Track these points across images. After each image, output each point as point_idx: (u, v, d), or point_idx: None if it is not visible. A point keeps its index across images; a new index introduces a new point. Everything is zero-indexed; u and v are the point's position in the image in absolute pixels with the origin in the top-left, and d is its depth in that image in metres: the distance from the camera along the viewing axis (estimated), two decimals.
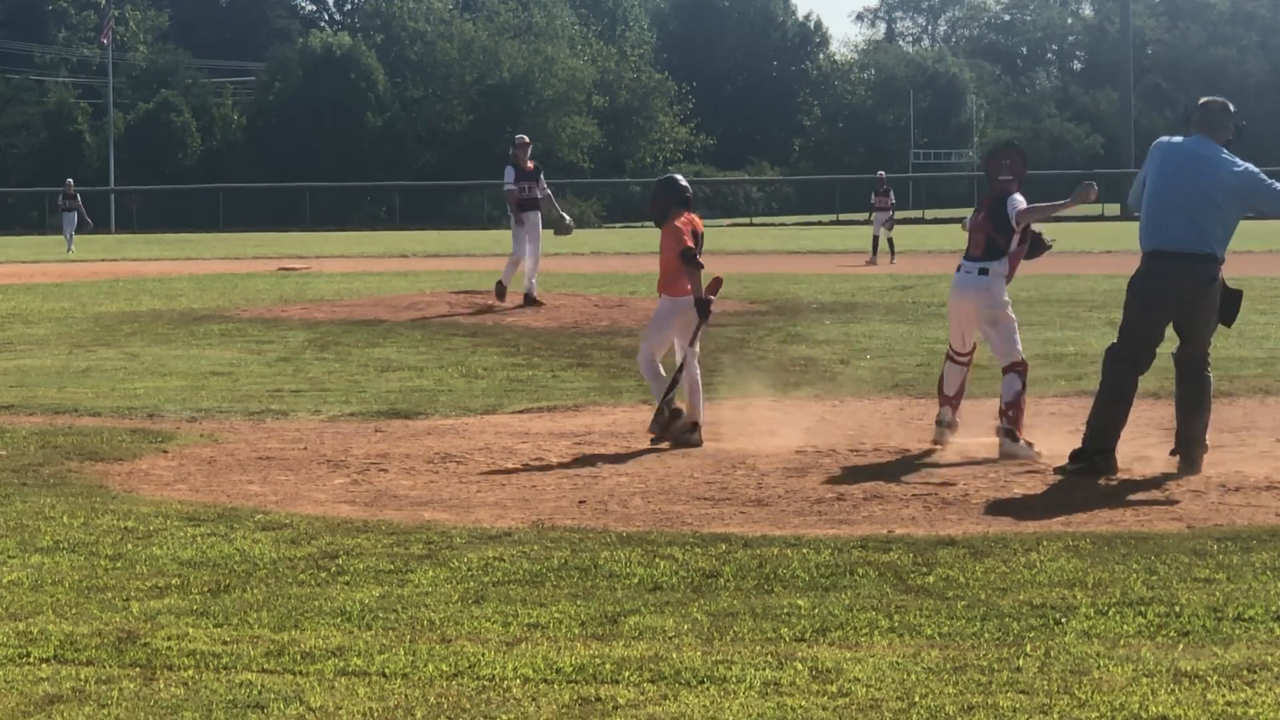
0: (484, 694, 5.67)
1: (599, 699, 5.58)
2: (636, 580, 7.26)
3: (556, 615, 6.66)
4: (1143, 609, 6.60)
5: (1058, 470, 10.02)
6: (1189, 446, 9.94)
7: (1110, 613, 6.56)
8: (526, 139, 24.01)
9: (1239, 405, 12.95)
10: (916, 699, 5.50)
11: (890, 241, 38.93)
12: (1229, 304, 10.11)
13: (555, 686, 5.73)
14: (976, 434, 11.39)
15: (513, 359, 17.29)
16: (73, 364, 17.26)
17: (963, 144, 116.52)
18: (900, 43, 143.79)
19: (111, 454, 11.14)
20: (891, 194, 40.57)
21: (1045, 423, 11.86)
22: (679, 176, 12.22)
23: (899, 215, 46.13)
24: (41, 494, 9.54)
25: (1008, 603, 6.74)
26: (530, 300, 22.99)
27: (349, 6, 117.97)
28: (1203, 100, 10.38)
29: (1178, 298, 9.93)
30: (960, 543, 7.90)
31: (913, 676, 5.75)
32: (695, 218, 11.82)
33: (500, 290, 23.06)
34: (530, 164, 23.31)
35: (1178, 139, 10.22)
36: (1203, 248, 9.89)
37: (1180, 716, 5.30)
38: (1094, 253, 39.88)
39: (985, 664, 5.89)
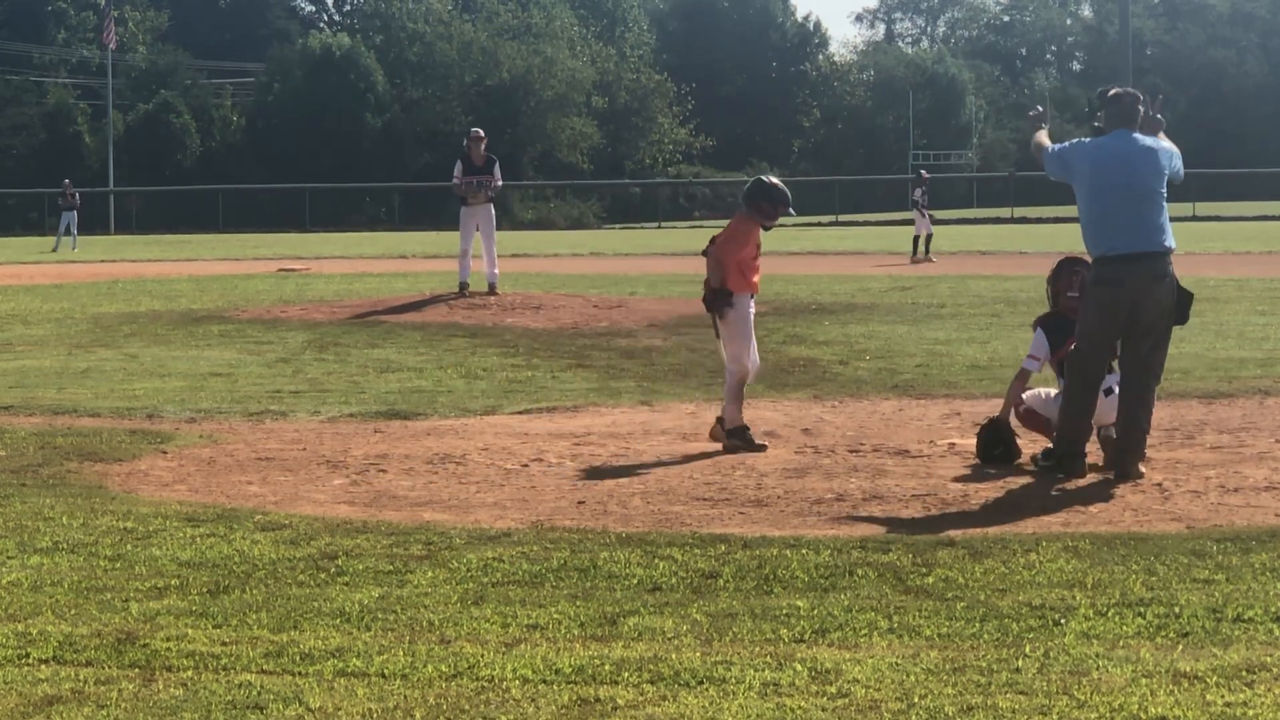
0: (483, 695, 5.67)
1: (598, 700, 5.58)
2: (636, 581, 7.25)
3: (556, 616, 6.66)
4: (1142, 610, 6.60)
5: (1032, 459, 10.11)
6: (1134, 454, 9.85)
7: (1109, 614, 6.56)
8: (480, 133, 24.02)
9: (1238, 406, 12.94)
10: (916, 700, 5.50)
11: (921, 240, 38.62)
12: (1182, 302, 9.99)
13: (554, 687, 5.73)
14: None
15: (512, 360, 17.29)
16: (72, 365, 17.26)
17: (962, 145, 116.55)
18: (899, 44, 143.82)
19: (111, 455, 11.14)
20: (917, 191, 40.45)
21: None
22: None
23: (903, 215, 45.90)
24: (41, 495, 9.54)
25: (1007, 603, 6.74)
26: (492, 291, 23.32)
27: (348, 7, 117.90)
28: (1115, 91, 10.23)
29: (1155, 299, 9.77)
30: (960, 543, 7.90)
31: (912, 677, 5.75)
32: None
33: (462, 288, 23.48)
34: (483, 157, 23.35)
35: (1134, 135, 10.00)
36: (1168, 241, 9.85)
37: (1180, 717, 5.30)
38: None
39: (984, 665, 5.89)
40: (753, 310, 11.44)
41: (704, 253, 11.41)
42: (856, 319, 21.72)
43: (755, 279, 11.38)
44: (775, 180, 11.55)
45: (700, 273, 11.64)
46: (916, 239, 38.63)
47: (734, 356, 11.31)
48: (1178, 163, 10.11)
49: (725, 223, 11.83)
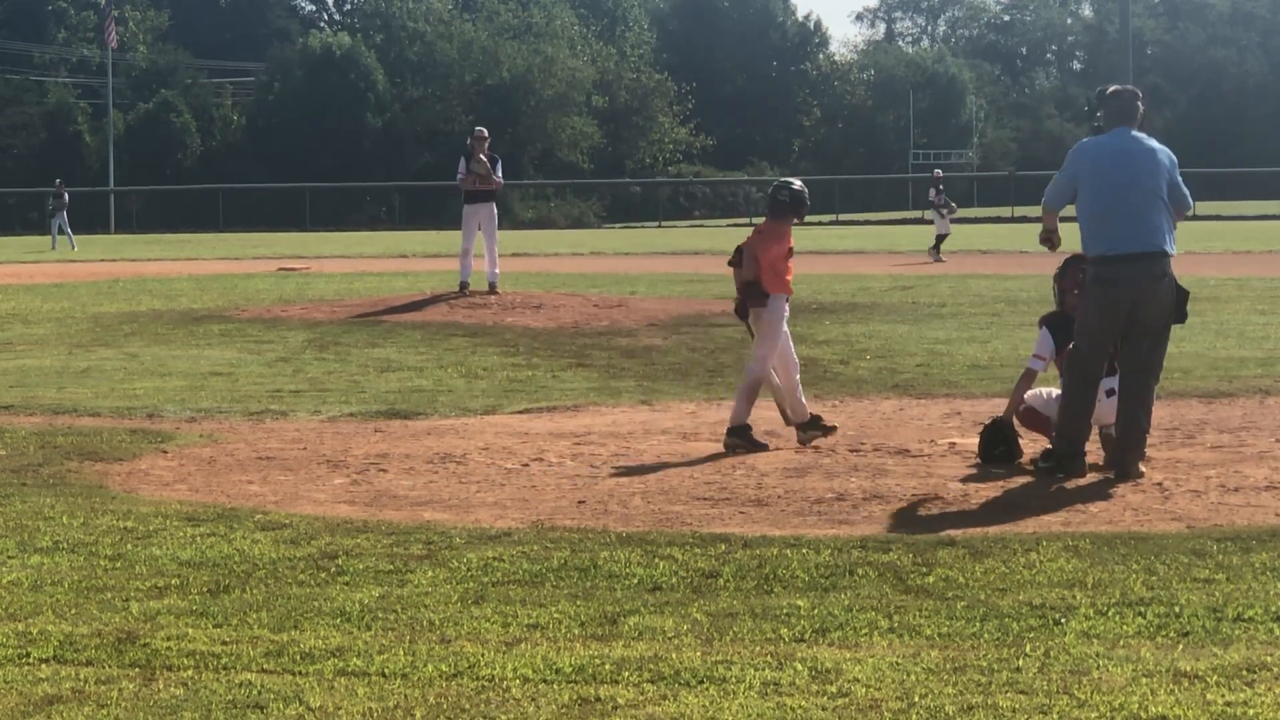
0: (483, 694, 5.67)
1: (598, 699, 5.58)
2: (636, 580, 7.25)
3: (556, 615, 6.66)
4: (1142, 609, 6.60)
5: (1031, 461, 10.10)
6: (1134, 454, 9.85)
7: (1110, 613, 6.56)
8: (485, 132, 24.10)
9: (1238, 405, 12.94)
10: (916, 699, 5.50)
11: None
12: (1180, 300, 9.97)
13: (555, 687, 5.73)
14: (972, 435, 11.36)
15: (512, 359, 17.30)
16: (72, 364, 17.26)
17: (962, 144, 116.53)
18: (900, 43, 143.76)
19: (111, 454, 11.14)
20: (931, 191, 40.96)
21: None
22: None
23: (903, 215, 46.22)
24: (41, 494, 9.54)
25: (1007, 603, 6.74)
26: (493, 290, 23.34)
27: (348, 7, 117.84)
28: (1114, 89, 10.20)
29: (1156, 299, 9.77)
30: (960, 543, 7.90)
31: (912, 677, 5.75)
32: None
33: (462, 287, 23.52)
34: (485, 155, 23.40)
35: (1135, 134, 9.99)
36: (1166, 244, 9.82)
37: (1180, 716, 5.30)
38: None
39: (985, 664, 5.89)
40: (786, 313, 11.45)
41: (730, 263, 11.45)
42: (857, 318, 21.72)
43: (789, 278, 11.43)
44: (799, 184, 11.64)
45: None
46: (942, 236, 39.02)
47: (760, 357, 11.35)
48: (1180, 183, 9.98)
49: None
